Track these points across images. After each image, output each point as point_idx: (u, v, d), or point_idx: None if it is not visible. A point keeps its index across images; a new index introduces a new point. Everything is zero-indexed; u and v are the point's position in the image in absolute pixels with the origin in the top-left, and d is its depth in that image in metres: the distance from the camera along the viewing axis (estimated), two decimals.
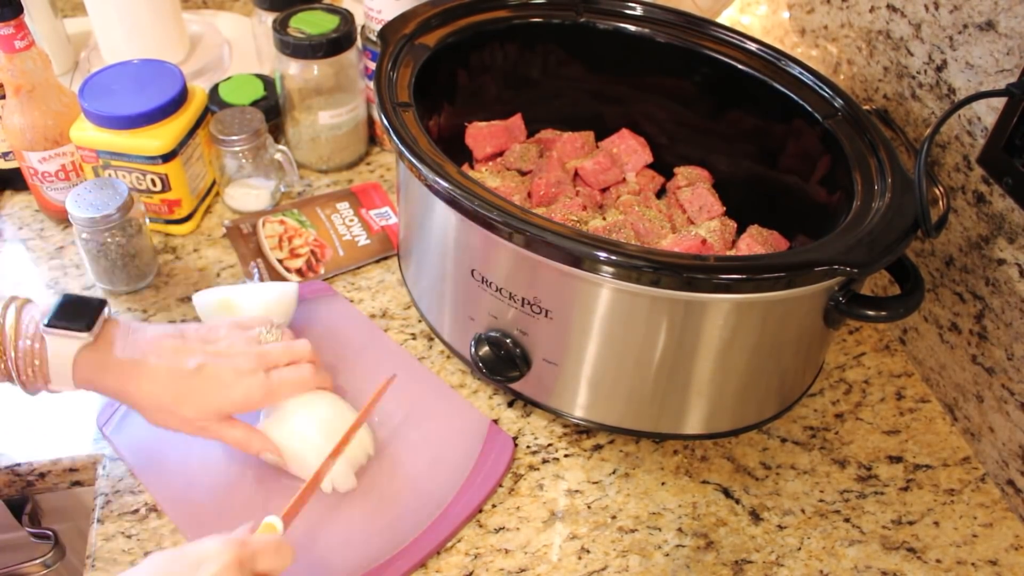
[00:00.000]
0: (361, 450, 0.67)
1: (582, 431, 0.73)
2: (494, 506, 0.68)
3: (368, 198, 0.93)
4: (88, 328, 0.60)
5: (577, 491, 0.69)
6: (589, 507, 0.68)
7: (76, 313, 0.61)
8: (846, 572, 0.65)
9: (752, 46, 0.77)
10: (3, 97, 0.84)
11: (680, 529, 0.67)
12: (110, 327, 0.63)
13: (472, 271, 0.65)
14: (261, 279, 0.83)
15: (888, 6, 0.78)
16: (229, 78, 0.98)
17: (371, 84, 0.96)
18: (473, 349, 0.68)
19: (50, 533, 0.78)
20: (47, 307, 0.61)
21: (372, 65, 0.94)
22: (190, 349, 0.63)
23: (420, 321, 0.81)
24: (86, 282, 0.83)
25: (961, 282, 0.72)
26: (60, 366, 0.60)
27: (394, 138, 0.64)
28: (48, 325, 0.60)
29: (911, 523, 0.69)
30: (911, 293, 0.60)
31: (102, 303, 0.62)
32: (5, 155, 0.89)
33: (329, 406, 0.67)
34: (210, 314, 0.73)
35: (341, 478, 0.66)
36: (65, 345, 0.60)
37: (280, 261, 0.85)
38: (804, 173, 0.74)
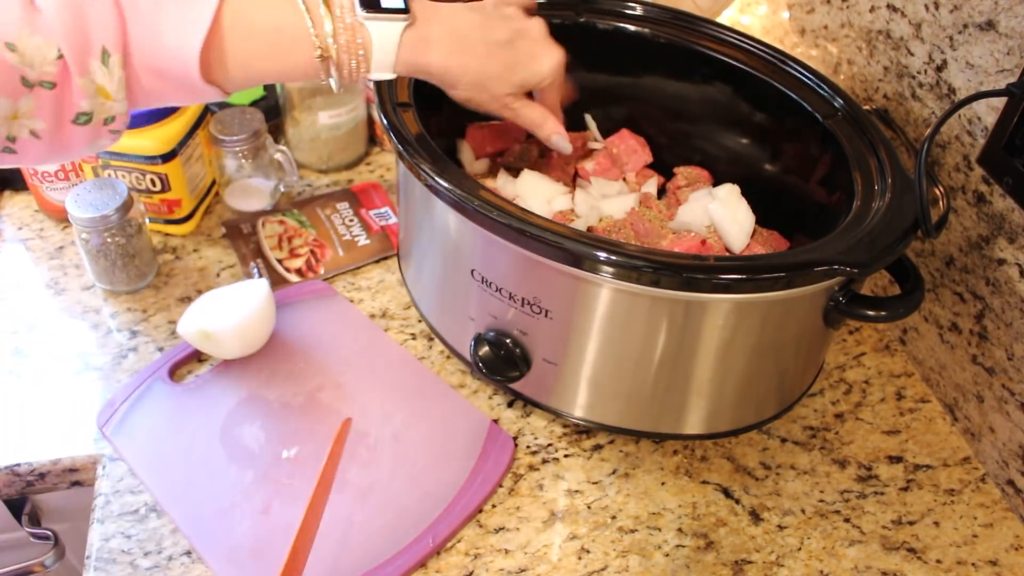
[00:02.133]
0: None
1: (582, 431, 0.73)
2: (494, 506, 0.68)
3: (368, 198, 0.93)
4: (406, 10, 0.58)
5: (577, 491, 0.69)
6: (589, 507, 0.68)
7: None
8: (846, 572, 0.65)
9: (752, 46, 0.77)
10: None
11: (680, 529, 0.67)
12: (417, 6, 0.61)
13: (472, 271, 0.65)
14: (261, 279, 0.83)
15: (888, 6, 0.78)
16: None
17: (371, 84, 0.96)
18: (473, 349, 0.68)
19: (50, 533, 0.78)
20: None
21: None
22: (492, 24, 0.63)
23: (420, 321, 0.81)
24: (86, 282, 0.83)
25: (961, 282, 0.72)
26: (385, 51, 0.59)
27: (394, 138, 0.64)
28: (366, 9, 0.57)
29: (911, 523, 0.69)
30: (911, 293, 0.60)
31: None
32: None
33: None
34: (196, 343, 0.74)
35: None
36: (388, 28, 0.58)
37: (280, 261, 0.85)
38: (804, 173, 0.74)
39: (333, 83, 0.59)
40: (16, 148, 0.52)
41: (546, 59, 0.65)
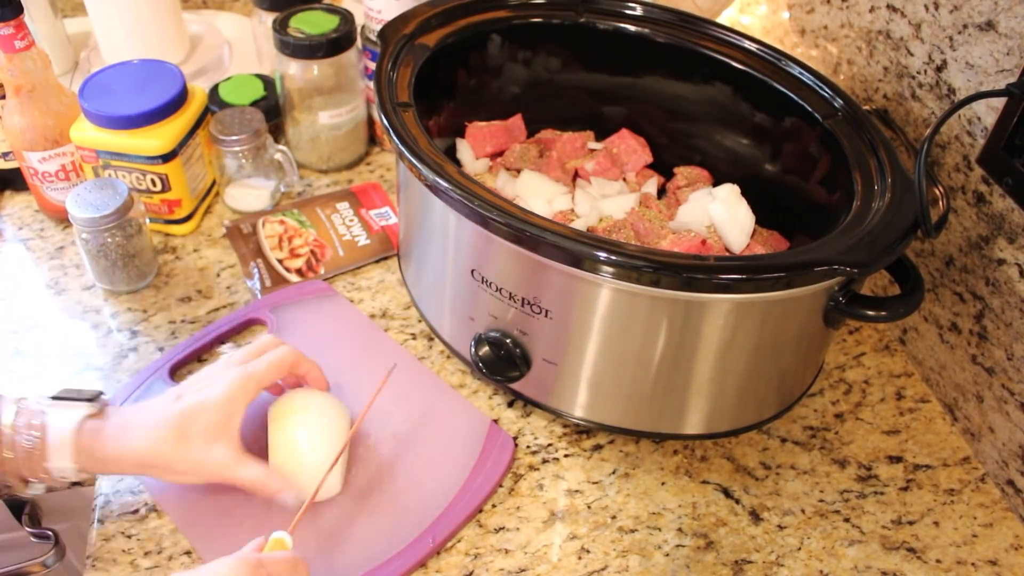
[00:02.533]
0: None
1: (582, 431, 0.73)
2: (494, 506, 0.68)
3: (368, 198, 0.93)
4: (93, 400, 0.61)
5: (577, 491, 0.69)
6: (589, 507, 0.68)
7: (78, 394, 0.62)
8: (846, 572, 0.65)
9: (752, 46, 0.77)
10: (3, 97, 0.84)
11: (680, 529, 0.67)
12: (110, 408, 0.62)
13: (472, 271, 0.65)
14: (261, 279, 0.83)
15: (888, 6, 0.78)
16: (229, 78, 0.98)
17: (371, 84, 0.96)
18: (473, 349, 0.68)
19: (50, 533, 0.78)
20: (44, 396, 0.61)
21: (372, 65, 0.94)
22: (171, 392, 0.63)
23: (420, 321, 0.81)
24: (86, 282, 0.83)
25: (961, 282, 0.72)
26: (61, 434, 0.58)
27: (394, 138, 0.64)
28: (52, 397, 0.60)
29: (911, 523, 0.69)
30: (911, 293, 0.60)
31: (100, 393, 0.63)
32: (5, 155, 0.89)
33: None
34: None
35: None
36: (67, 413, 0.59)
37: (280, 261, 0.85)
38: (804, 173, 0.74)
39: (33, 488, 0.60)
40: None
41: (216, 387, 0.61)
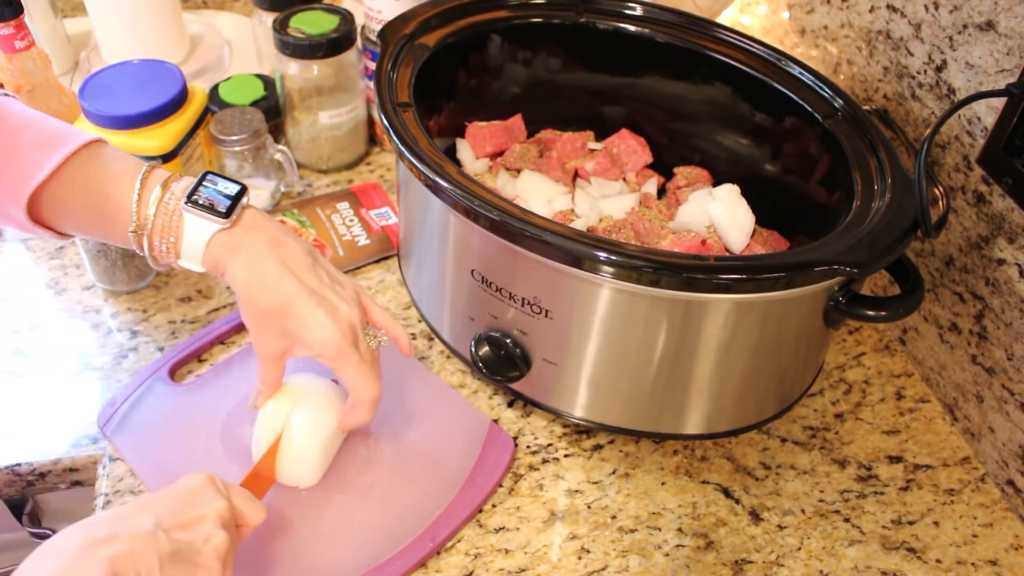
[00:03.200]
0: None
1: (582, 431, 0.73)
2: (494, 506, 0.68)
3: (368, 198, 0.93)
4: (227, 215, 0.59)
5: (577, 491, 0.69)
6: (589, 507, 0.68)
7: (217, 193, 0.60)
8: (846, 572, 0.65)
9: (752, 46, 0.77)
10: None
11: (680, 529, 0.67)
12: (246, 214, 0.61)
13: (472, 271, 0.65)
14: None
15: (888, 6, 0.78)
16: (229, 78, 0.98)
17: (371, 84, 0.96)
18: (473, 349, 0.68)
19: (50, 533, 0.78)
20: (189, 184, 0.60)
21: (372, 65, 0.94)
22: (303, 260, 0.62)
23: (420, 321, 0.81)
24: (86, 282, 0.83)
25: (961, 282, 0.72)
26: (194, 244, 0.59)
27: (394, 138, 0.64)
28: (189, 202, 0.59)
29: (911, 523, 0.69)
30: (911, 293, 0.60)
31: (243, 189, 0.61)
32: None
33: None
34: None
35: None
36: (202, 225, 0.59)
37: None
38: (804, 173, 0.74)
39: (147, 257, 0.61)
40: None
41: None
